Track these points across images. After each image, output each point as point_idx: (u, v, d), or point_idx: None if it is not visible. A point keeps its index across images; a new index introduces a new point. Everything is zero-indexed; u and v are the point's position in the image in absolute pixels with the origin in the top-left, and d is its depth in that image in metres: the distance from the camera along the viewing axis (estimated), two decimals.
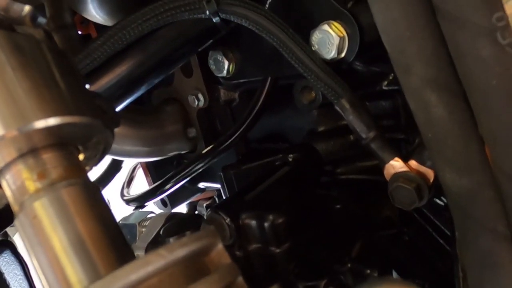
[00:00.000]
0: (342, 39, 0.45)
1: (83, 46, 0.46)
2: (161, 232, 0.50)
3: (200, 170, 0.66)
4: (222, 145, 0.62)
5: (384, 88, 0.53)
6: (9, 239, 0.92)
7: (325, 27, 0.45)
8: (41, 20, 0.25)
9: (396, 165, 0.44)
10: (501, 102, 0.25)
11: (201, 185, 0.83)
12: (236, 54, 0.57)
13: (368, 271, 0.39)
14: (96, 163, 0.27)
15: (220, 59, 0.57)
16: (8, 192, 0.21)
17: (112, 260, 0.20)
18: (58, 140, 0.22)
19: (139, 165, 0.94)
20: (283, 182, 0.52)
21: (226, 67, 0.57)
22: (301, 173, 0.55)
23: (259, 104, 0.59)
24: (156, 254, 0.18)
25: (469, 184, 0.29)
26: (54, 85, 0.22)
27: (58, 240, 0.20)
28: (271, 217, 0.45)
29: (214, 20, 0.46)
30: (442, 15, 0.26)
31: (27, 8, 0.24)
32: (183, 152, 0.76)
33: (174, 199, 0.83)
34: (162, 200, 0.84)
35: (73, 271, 0.19)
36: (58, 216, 0.20)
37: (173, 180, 0.67)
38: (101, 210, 0.21)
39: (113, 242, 0.21)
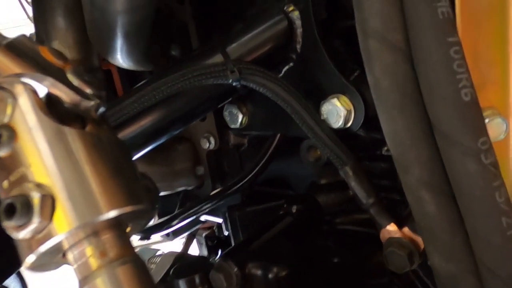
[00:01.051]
0: (349, 111, 0.50)
1: (112, 97, 0.50)
2: (170, 272, 0.54)
3: (207, 210, 0.70)
4: (230, 189, 0.67)
5: (383, 153, 0.58)
6: None
7: (334, 100, 0.50)
8: (102, 109, 0.30)
9: (391, 230, 0.49)
10: (482, 209, 0.30)
11: (203, 218, 0.87)
12: (249, 108, 0.62)
13: None
14: (133, 234, 0.31)
15: (235, 112, 0.62)
16: (74, 265, 0.26)
17: None
18: (116, 223, 0.27)
19: None
20: (287, 233, 0.57)
21: (239, 120, 0.62)
22: (303, 224, 0.60)
23: (268, 154, 0.63)
24: None
25: (455, 270, 0.34)
26: (119, 178, 0.27)
27: None
28: (275, 269, 0.49)
29: (234, 85, 0.51)
30: (438, 132, 0.31)
31: (93, 103, 0.29)
32: (189, 188, 0.80)
33: (177, 231, 0.87)
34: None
35: None
36: None
37: (181, 217, 0.71)
38: (147, 282, 0.26)
39: None
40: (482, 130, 0.30)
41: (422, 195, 0.33)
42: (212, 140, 0.72)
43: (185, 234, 0.99)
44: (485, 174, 0.30)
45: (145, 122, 0.54)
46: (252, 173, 0.64)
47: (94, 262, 0.25)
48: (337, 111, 0.50)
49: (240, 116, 0.62)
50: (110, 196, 0.25)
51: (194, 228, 0.95)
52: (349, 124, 0.51)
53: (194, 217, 0.71)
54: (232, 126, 0.63)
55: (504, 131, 0.33)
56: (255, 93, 0.62)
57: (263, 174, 0.72)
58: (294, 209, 0.60)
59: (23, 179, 0.25)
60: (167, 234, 0.88)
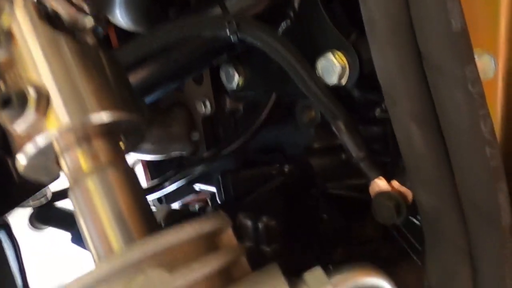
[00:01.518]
0: (343, 68, 0.51)
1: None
2: (162, 223, 0.55)
3: (200, 172, 0.71)
4: (224, 151, 0.67)
5: (376, 115, 0.59)
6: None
7: (329, 55, 0.51)
8: (100, 30, 0.31)
9: (380, 183, 0.49)
10: (467, 138, 0.31)
11: (197, 186, 0.88)
12: (246, 69, 0.63)
13: None
14: (127, 153, 0.32)
15: (231, 72, 0.62)
16: (65, 170, 0.26)
17: (143, 229, 0.25)
18: (108, 130, 0.27)
19: (138, 162, 0.98)
20: (278, 190, 0.58)
21: (236, 80, 0.62)
22: (295, 184, 0.60)
23: (262, 116, 0.64)
24: (181, 227, 0.23)
25: (439, 204, 0.34)
26: (111, 86, 0.27)
27: (103, 210, 0.24)
28: (265, 219, 0.50)
29: (232, 39, 0.51)
30: (427, 62, 0.32)
31: (91, 20, 0.29)
32: (184, 154, 0.81)
33: (170, 197, 0.88)
34: (158, 197, 0.89)
35: (113, 234, 0.24)
36: (105, 192, 0.25)
37: (173, 179, 0.72)
38: (137, 190, 0.26)
39: (145, 216, 0.25)
40: (470, 58, 0.30)
41: (410, 128, 0.33)
42: (208, 104, 0.73)
43: (179, 204, 0.99)
44: (471, 102, 0.30)
45: (143, 73, 0.54)
46: (247, 135, 0.64)
47: (85, 165, 0.26)
48: (332, 66, 0.51)
49: (236, 76, 0.62)
50: (102, 98, 0.26)
51: (188, 198, 0.95)
52: (343, 81, 0.52)
53: (186, 179, 0.71)
54: (228, 87, 0.64)
55: (493, 68, 0.34)
56: (252, 54, 0.63)
57: (258, 142, 0.72)
58: (286, 168, 0.61)
59: (20, 79, 0.26)
60: (160, 200, 0.88)
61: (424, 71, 0.33)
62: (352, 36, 0.54)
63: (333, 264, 0.50)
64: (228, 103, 0.74)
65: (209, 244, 0.25)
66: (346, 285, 0.25)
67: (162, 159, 0.80)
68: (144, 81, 0.54)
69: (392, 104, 0.34)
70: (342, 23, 0.54)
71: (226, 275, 0.25)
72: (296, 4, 0.54)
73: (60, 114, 0.25)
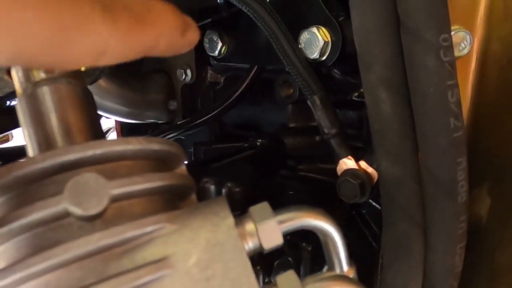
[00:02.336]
0: (326, 43, 0.51)
1: None
2: None
3: (172, 139, 0.69)
4: (198, 120, 0.66)
5: (354, 98, 0.59)
6: None
7: (314, 29, 0.50)
8: None
9: (348, 162, 0.49)
10: (433, 107, 0.31)
11: None
12: (230, 38, 0.62)
13: (304, 244, 0.44)
14: (91, 81, 0.31)
15: (215, 39, 0.61)
16: (15, 79, 0.25)
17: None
18: None
19: (112, 130, 0.96)
20: (247, 161, 0.57)
21: (218, 48, 0.61)
22: (265, 158, 0.60)
23: (240, 89, 0.63)
24: (136, 139, 0.22)
25: (399, 173, 0.34)
26: None
27: (49, 121, 0.23)
28: (229, 185, 0.49)
29: (218, 0, 0.50)
30: (404, 28, 0.31)
31: None
32: (160, 122, 0.79)
33: None
34: None
35: (56, 140, 0.23)
36: (54, 103, 0.23)
37: None
38: (91, 110, 0.25)
39: (95, 134, 0.24)
40: (445, 27, 0.30)
41: (380, 94, 0.33)
42: (189, 72, 0.72)
43: None
44: (441, 70, 0.30)
45: None
46: (223, 106, 0.64)
47: (37, 75, 0.24)
48: (315, 40, 0.51)
49: (220, 44, 0.61)
50: None
51: None
52: (324, 57, 0.52)
53: None
54: (211, 54, 0.63)
55: (468, 45, 0.34)
56: (238, 25, 0.62)
57: (235, 117, 0.72)
58: (258, 142, 0.60)
59: None
60: None
61: (400, 38, 0.33)
62: (339, 18, 0.54)
63: (290, 234, 0.50)
64: (209, 75, 0.73)
65: (157, 167, 0.24)
66: (291, 224, 0.24)
67: (136, 123, 0.79)
68: None
69: (365, 69, 0.34)
70: (332, 3, 0.54)
71: (171, 203, 0.24)
72: None
73: None
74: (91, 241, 0.19)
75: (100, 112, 0.83)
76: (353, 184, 0.48)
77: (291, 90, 0.60)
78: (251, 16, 0.50)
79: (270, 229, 0.23)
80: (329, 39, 0.51)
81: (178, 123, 0.69)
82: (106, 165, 0.21)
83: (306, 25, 0.52)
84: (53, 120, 0.23)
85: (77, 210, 0.18)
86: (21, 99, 0.24)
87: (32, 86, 0.24)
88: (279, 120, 0.67)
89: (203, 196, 0.51)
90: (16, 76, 0.25)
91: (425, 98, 0.31)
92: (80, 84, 0.26)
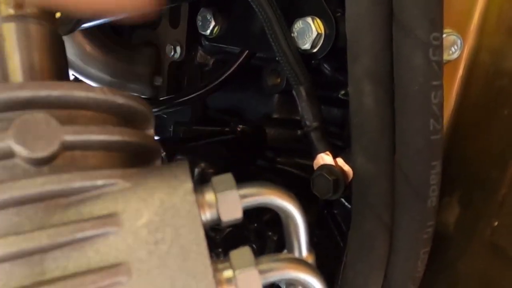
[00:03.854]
0: (319, 35, 0.50)
1: None
2: None
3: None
4: (181, 98, 0.65)
5: (340, 96, 0.58)
6: None
7: (309, 19, 0.50)
8: None
9: (325, 157, 0.49)
10: (415, 106, 0.31)
11: None
12: (224, 19, 0.61)
13: (270, 233, 0.43)
14: (67, 31, 0.29)
15: (209, 17, 0.60)
16: None
17: None
18: None
19: None
20: (225, 145, 0.56)
21: (211, 27, 0.60)
22: (244, 145, 0.59)
23: (228, 72, 0.62)
24: (100, 88, 0.20)
25: (373, 170, 0.34)
26: None
27: (12, 59, 0.21)
28: (203, 165, 0.48)
29: None
30: (396, 22, 0.31)
31: None
32: (143, 97, 0.77)
33: None
34: None
35: (16, 79, 0.21)
36: (20, 41, 0.22)
37: None
38: (59, 55, 0.23)
39: (59, 75, 0.23)
40: (437, 26, 0.30)
41: (364, 87, 0.33)
42: (178, 49, 0.70)
43: None
44: (427, 69, 0.30)
45: None
46: (208, 88, 0.62)
47: (4, 9, 0.23)
48: (308, 31, 0.50)
49: (213, 24, 0.60)
50: None
51: None
52: (315, 49, 0.51)
53: None
54: (202, 32, 0.61)
55: (458, 49, 0.34)
56: (234, 5, 0.60)
57: (221, 102, 0.70)
58: (239, 128, 0.59)
59: None
60: None
61: (392, 32, 0.32)
62: (336, 14, 0.53)
63: (258, 223, 0.50)
64: (199, 55, 0.71)
65: (120, 124, 0.22)
66: (253, 199, 0.23)
67: None
68: None
69: (353, 60, 0.33)
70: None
71: (130, 163, 0.22)
72: None
73: None
74: (33, 185, 0.18)
75: (82, 79, 0.80)
76: (328, 180, 0.47)
77: (279, 80, 0.59)
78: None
79: (230, 201, 0.22)
80: (323, 31, 0.50)
81: (161, 98, 0.67)
82: (63, 111, 0.20)
83: (302, 15, 0.51)
84: (16, 58, 0.21)
85: (22, 150, 0.17)
86: None
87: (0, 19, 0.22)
88: (263, 110, 0.66)
89: None
90: None
91: (407, 96, 0.31)
92: (50, 27, 0.24)
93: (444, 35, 0.34)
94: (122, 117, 0.22)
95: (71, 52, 0.70)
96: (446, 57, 0.36)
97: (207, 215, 0.22)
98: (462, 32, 0.35)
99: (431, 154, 0.31)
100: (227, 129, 0.61)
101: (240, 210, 0.22)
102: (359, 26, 0.32)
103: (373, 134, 0.33)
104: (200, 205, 0.21)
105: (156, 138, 0.73)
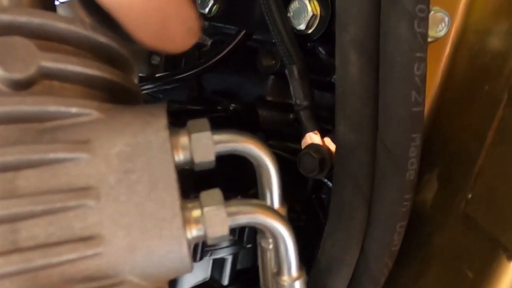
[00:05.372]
0: (314, 16, 0.50)
1: None
2: None
3: (147, 91, 0.68)
4: (176, 76, 0.65)
5: (332, 81, 0.58)
6: None
7: (305, 0, 0.50)
8: None
9: (313, 136, 0.49)
10: (398, 77, 0.31)
11: None
12: (224, 1, 0.61)
13: None
14: None
15: None
16: None
17: None
18: None
19: None
20: (215, 122, 0.56)
21: (210, 5, 0.60)
22: (235, 123, 0.59)
23: (224, 52, 0.62)
24: (83, 23, 0.20)
25: (355, 141, 0.34)
26: None
27: None
28: None
29: None
30: None
31: None
32: (140, 75, 0.78)
33: None
34: None
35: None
36: None
37: None
38: None
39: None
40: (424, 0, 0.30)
41: (350, 56, 0.33)
42: None
43: None
44: (411, 40, 0.30)
45: None
46: (203, 66, 0.63)
47: None
48: (304, 11, 0.50)
49: (211, 2, 0.60)
50: None
51: None
52: (310, 30, 0.51)
53: None
54: (201, 11, 0.62)
55: (445, 27, 0.34)
56: None
57: (216, 83, 0.71)
58: (231, 107, 0.60)
59: None
60: None
61: (380, 3, 0.32)
62: None
63: None
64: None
65: (101, 62, 0.23)
66: (226, 146, 0.24)
67: None
68: None
69: (341, 29, 0.34)
70: None
71: (109, 101, 0.23)
72: None
73: None
74: (9, 103, 0.18)
75: None
76: (314, 158, 0.47)
77: (273, 61, 0.59)
78: None
79: (203, 143, 0.23)
80: (318, 12, 0.51)
81: (156, 75, 0.68)
82: (43, 42, 0.20)
83: None
84: None
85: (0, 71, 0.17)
86: None
87: None
88: (257, 91, 0.66)
89: None
90: None
91: (391, 66, 0.31)
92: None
93: (432, 12, 0.35)
94: (103, 58, 0.23)
95: None
96: (434, 34, 0.36)
97: (180, 155, 0.22)
98: (450, 11, 0.36)
99: (411, 125, 0.32)
100: (219, 107, 0.61)
101: (212, 153, 0.23)
102: None
103: (357, 103, 0.34)
104: (174, 144, 0.22)
105: None
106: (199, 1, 0.61)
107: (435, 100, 0.36)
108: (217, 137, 0.23)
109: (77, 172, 0.19)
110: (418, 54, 0.31)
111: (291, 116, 0.65)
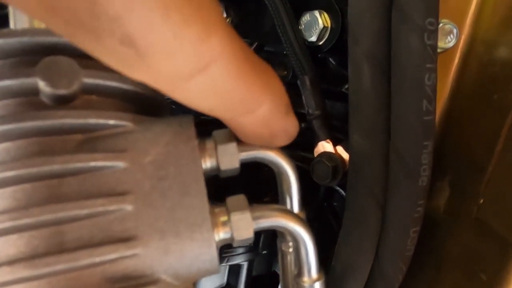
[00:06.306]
0: (325, 28, 0.52)
1: None
2: None
3: None
4: None
5: (344, 90, 0.60)
6: None
7: (316, 13, 0.52)
8: None
9: (326, 145, 0.51)
10: (409, 87, 0.32)
11: None
12: (236, 13, 0.63)
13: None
14: None
15: (221, 9, 0.62)
16: None
17: None
18: None
19: None
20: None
21: None
22: None
23: None
24: None
25: (368, 149, 0.36)
26: None
27: None
28: None
29: None
30: (395, 6, 0.33)
31: None
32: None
33: None
34: None
35: None
36: None
37: None
38: None
39: None
40: (433, 11, 0.32)
41: (363, 67, 0.35)
42: None
43: None
44: (422, 52, 0.31)
45: None
46: None
47: None
48: (315, 24, 0.52)
49: (224, 15, 0.63)
50: None
51: None
52: (321, 42, 0.53)
53: None
54: None
55: (454, 38, 0.36)
56: (246, 2, 0.63)
57: None
58: None
59: None
60: None
61: (391, 16, 0.34)
62: (343, 8, 0.55)
63: None
64: None
65: None
66: (249, 154, 0.25)
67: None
68: None
69: (353, 42, 0.35)
70: None
71: (141, 112, 0.24)
72: None
73: None
74: (54, 116, 0.20)
75: None
76: (327, 166, 0.49)
77: (285, 72, 0.61)
78: None
79: (229, 152, 0.24)
80: (329, 24, 0.53)
81: None
82: (84, 59, 0.22)
83: (310, 8, 0.54)
84: None
85: (46, 87, 0.19)
86: None
87: None
88: None
89: None
90: None
91: (403, 77, 0.33)
92: None
93: (441, 24, 0.36)
94: None
95: None
96: (442, 45, 0.38)
97: (207, 163, 0.24)
98: (458, 22, 0.37)
99: (423, 133, 0.33)
100: None
101: (237, 161, 0.24)
102: (359, 10, 0.35)
103: (369, 111, 0.35)
104: (201, 153, 0.23)
105: None
106: None
107: (445, 109, 0.38)
108: (241, 146, 0.25)
109: (115, 179, 0.20)
110: (428, 65, 0.32)
111: (303, 125, 0.66)
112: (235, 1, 0.62)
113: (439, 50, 0.38)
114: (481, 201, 0.32)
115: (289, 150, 0.68)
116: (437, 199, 0.39)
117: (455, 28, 0.36)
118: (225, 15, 0.63)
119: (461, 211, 0.36)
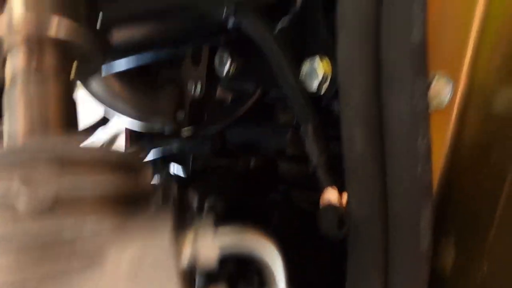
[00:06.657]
0: (325, 76, 0.52)
1: None
2: None
3: (176, 148, 0.72)
4: (202, 131, 0.68)
5: None
6: None
7: (316, 60, 0.52)
8: None
9: (331, 192, 0.50)
10: (402, 150, 0.32)
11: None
12: (241, 58, 0.64)
13: None
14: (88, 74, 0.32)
15: (225, 57, 0.63)
16: (7, 70, 0.27)
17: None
18: (60, 44, 0.28)
19: (121, 134, 1.00)
20: (237, 177, 0.58)
21: (227, 66, 0.63)
22: (256, 178, 0.61)
23: (245, 107, 0.65)
24: (90, 147, 0.23)
25: (365, 216, 0.35)
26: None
27: (29, 113, 0.25)
28: (213, 196, 0.50)
29: (226, 21, 0.53)
30: (383, 67, 0.32)
31: None
32: (166, 131, 0.82)
33: None
34: None
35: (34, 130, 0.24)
36: (38, 96, 0.25)
37: (148, 148, 0.73)
38: (71, 107, 0.27)
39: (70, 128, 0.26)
40: (421, 72, 0.31)
41: (355, 132, 0.34)
42: (199, 86, 0.74)
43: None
44: (412, 115, 0.31)
45: (132, 30, 0.55)
46: (226, 121, 0.66)
47: (27, 66, 0.26)
48: (315, 72, 0.52)
49: (229, 63, 0.64)
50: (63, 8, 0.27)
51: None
52: (323, 91, 0.53)
53: (162, 152, 0.72)
54: (219, 71, 0.65)
55: (449, 93, 0.35)
56: (249, 46, 0.64)
57: (237, 137, 0.73)
58: (252, 161, 0.61)
59: None
60: None
61: (380, 79, 0.33)
62: None
63: None
64: (219, 91, 0.75)
65: (115, 169, 0.25)
66: (229, 249, 0.25)
67: (143, 129, 0.81)
68: (134, 38, 0.55)
69: (345, 104, 0.35)
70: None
71: (122, 204, 0.25)
72: (298, 5, 0.55)
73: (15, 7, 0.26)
74: (32, 227, 0.20)
75: (111, 108, 0.86)
76: (332, 219, 0.48)
77: (290, 117, 0.61)
78: (257, 43, 0.52)
79: (207, 251, 0.24)
80: (330, 71, 0.52)
81: (183, 133, 0.71)
82: (65, 164, 0.23)
83: (309, 54, 0.54)
84: (35, 113, 0.25)
85: (24, 196, 0.20)
86: (8, 90, 0.26)
87: (20, 76, 0.26)
88: (277, 144, 0.68)
89: (185, 204, 0.52)
90: (9, 66, 0.27)
91: (395, 140, 0.32)
92: (65, 77, 0.28)
93: (435, 79, 0.35)
94: (119, 167, 0.25)
95: (101, 90, 0.76)
96: (437, 100, 0.37)
97: (185, 259, 0.24)
98: (454, 73, 0.36)
99: (420, 197, 0.32)
100: (240, 162, 0.63)
101: (215, 259, 0.24)
102: (350, 73, 0.34)
103: (364, 179, 0.35)
104: (178, 250, 0.23)
105: (170, 173, 0.75)
106: (218, 62, 0.65)
107: (445, 166, 0.36)
108: (221, 242, 0.25)
109: (92, 281, 0.21)
110: (420, 127, 0.31)
111: (310, 167, 0.66)
112: (240, 47, 0.63)
113: (435, 107, 0.36)
114: (485, 266, 0.30)
115: (298, 192, 0.67)
116: (443, 257, 0.37)
117: (451, 83, 0.35)
118: (229, 63, 0.64)
119: (467, 272, 0.34)
